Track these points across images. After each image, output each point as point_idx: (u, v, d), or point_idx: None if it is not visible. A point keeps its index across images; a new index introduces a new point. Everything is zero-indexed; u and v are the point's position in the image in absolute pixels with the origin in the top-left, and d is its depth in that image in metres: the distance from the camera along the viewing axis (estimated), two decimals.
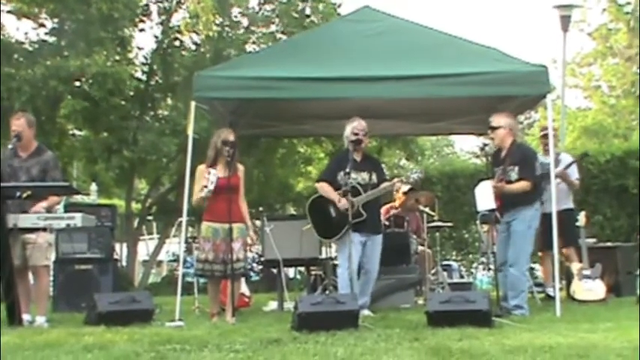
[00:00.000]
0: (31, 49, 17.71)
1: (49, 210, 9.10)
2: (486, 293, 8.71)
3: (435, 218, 12.85)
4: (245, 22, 20.07)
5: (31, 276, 9.54)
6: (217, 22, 19.09)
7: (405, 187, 11.82)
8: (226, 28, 19.57)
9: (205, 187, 9.26)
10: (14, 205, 8.72)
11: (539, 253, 11.93)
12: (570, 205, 11.61)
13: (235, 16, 20.10)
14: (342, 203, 9.72)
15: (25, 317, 8.88)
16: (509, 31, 72.79)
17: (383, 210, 11.84)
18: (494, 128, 9.83)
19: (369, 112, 11.19)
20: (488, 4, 77.02)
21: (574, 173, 11.72)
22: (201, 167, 9.54)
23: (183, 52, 19.15)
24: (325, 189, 10.06)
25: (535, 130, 35.21)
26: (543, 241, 10.76)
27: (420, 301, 11.50)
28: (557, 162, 11.32)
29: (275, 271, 11.99)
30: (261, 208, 19.21)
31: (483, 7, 78.72)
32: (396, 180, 10.34)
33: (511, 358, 5.73)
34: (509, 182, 9.58)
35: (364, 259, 9.92)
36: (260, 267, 17.70)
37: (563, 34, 18.41)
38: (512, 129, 9.89)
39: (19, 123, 9.31)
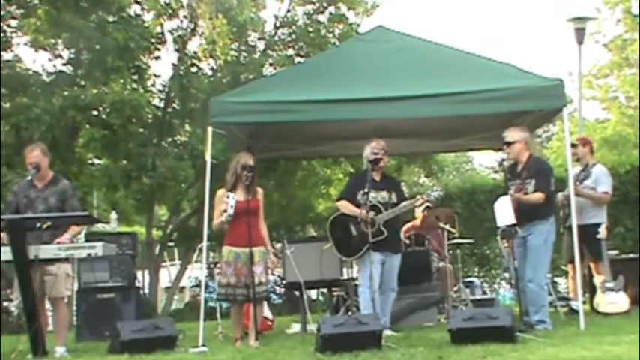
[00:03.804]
0: (48, 80, 17.84)
1: (72, 240, 9.14)
2: (509, 309, 8.69)
3: (456, 235, 12.83)
4: (262, 45, 20.16)
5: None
6: (234, 46, 19.20)
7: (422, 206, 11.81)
8: (243, 53, 19.66)
9: (225, 211, 9.29)
10: (32, 236, 8.73)
11: (569, 266, 11.85)
12: (601, 219, 11.37)
13: (252, 41, 20.19)
14: (363, 215, 9.70)
15: None
16: (524, 46, 72.71)
17: (404, 229, 11.84)
18: (509, 144, 9.82)
19: (386, 131, 11.22)
20: (502, 20, 77.06)
21: (603, 185, 11.57)
22: (220, 192, 9.56)
23: (201, 78, 19.26)
24: (346, 206, 10.06)
25: (554, 144, 35.15)
26: (572, 253, 10.72)
27: (443, 319, 11.46)
28: (588, 174, 11.31)
29: (297, 293, 11.97)
30: (282, 231, 19.24)
31: (497, 23, 78.74)
32: (418, 198, 10.33)
33: None
34: (526, 194, 9.58)
35: (383, 279, 9.91)
36: (282, 290, 17.70)
37: (578, 46, 18.33)
38: (526, 143, 9.88)
39: (34, 155, 9.33)
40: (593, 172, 11.50)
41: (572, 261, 11.24)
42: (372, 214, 9.73)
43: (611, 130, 31.44)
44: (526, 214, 9.45)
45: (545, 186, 9.63)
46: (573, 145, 11.60)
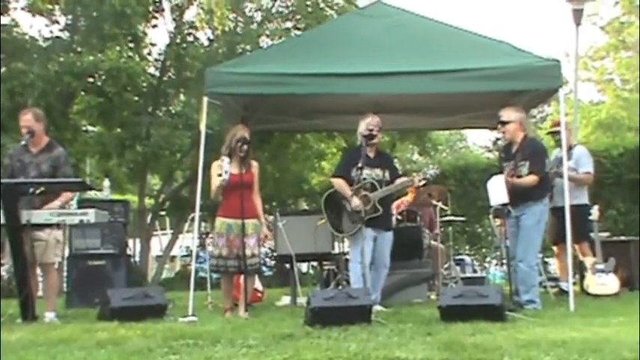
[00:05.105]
0: (44, 45, 17.79)
1: (62, 207, 9.13)
2: (499, 288, 8.70)
3: (448, 212, 12.82)
4: (259, 17, 20.11)
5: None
6: (231, 17, 19.16)
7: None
8: (240, 24, 19.63)
9: (220, 175, 9.28)
10: (23, 201, 8.71)
11: (555, 248, 11.90)
12: (583, 200, 11.42)
13: (250, 12, 20.15)
14: (355, 204, 9.72)
15: None
16: (521, 25, 72.69)
17: (395, 205, 11.82)
18: (504, 123, 9.82)
19: (381, 106, 11.19)
20: None
21: (585, 166, 11.58)
22: (217, 163, 9.55)
23: (197, 47, 19.22)
24: (340, 185, 10.02)
25: (548, 124, 35.19)
26: (557, 234, 10.76)
27: (433, 296, 11.50)
28: (569, 155, 11.25)
29: (288, 266, 11.98)
30: (274, 203, 19.25)
31: (495, 1, 78.56)
32: (413, 176, 10.27)
33: (524, 352, 5.70)
34: (520, 177, 9.58)
35: (375, 255, 9.90)
36: (273, 262, 17.73)
37: (576, 27, 18.27)
38: (522, 123, 9.87)
39: (26, 118, 9.32)
40: (574, 153, 11.49)
41: (556, 242, 11.33)
42: (356, 200, 9.71)
43: (605, 112, 31.47)
44: (520, 194, 9.44)
45: (539, 168, 9.63)
46: (553, 132, 11.66)
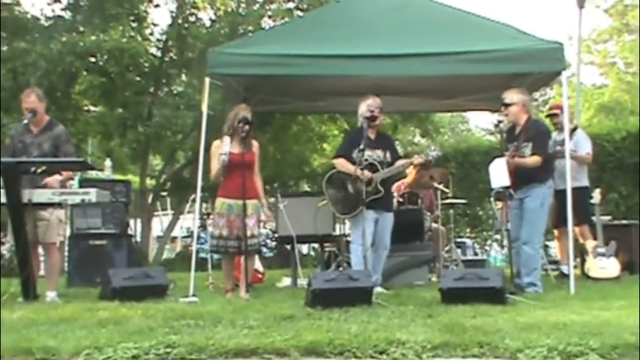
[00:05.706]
0: (46, 24, 17.76)
1: (62, 184, 9.13)
2: (500, 270, 8.69)
3: (449, 195, 12.80)
4: None
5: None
6: None
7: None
8: (242, 4, 19.57)
9: (222, 154, 9.28)
10: (26, 180, 8.71)
11: (555, 231, 11.90)
12: (584, 183, 11.45)
13: None
14: (364, 175, 9.63)
15: None
16: (524, 8, 72.33)
17: (395, 187, 11.79)
18: (507, 105, 9.78)
19: (383, 88, 11.16)
20: None
21: (584, 147, 11.62)
22: (216, 143, 9.54)
23: (199, 28, 19.18)
24: (343, 164, 9.99)
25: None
26: (557, 217, 10.75)
27: (434, 279, 11.50)
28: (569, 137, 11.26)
29: (289, 247, 11.98)
30: (275, 185, 19.24)
31: None
32: (415, 158, 10.25)
33: (525, 335, 5.70)
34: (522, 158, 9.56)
35: (376, 237, 9.90)
36: (274, 243, 17.74)
37: (579, 10, 18.22)
38: (525, 105, 9.83)
39: (30, 100, 9.31)
40: (574, 136, 11.47)
41: (556, 225, 11.32)
42: (367, 172, 9.70)
43: (608, 96, 31.43)
44: (524, 176, 9.42)
45: (542, 149, 9.61)
46: (551, 115, 11.68)
